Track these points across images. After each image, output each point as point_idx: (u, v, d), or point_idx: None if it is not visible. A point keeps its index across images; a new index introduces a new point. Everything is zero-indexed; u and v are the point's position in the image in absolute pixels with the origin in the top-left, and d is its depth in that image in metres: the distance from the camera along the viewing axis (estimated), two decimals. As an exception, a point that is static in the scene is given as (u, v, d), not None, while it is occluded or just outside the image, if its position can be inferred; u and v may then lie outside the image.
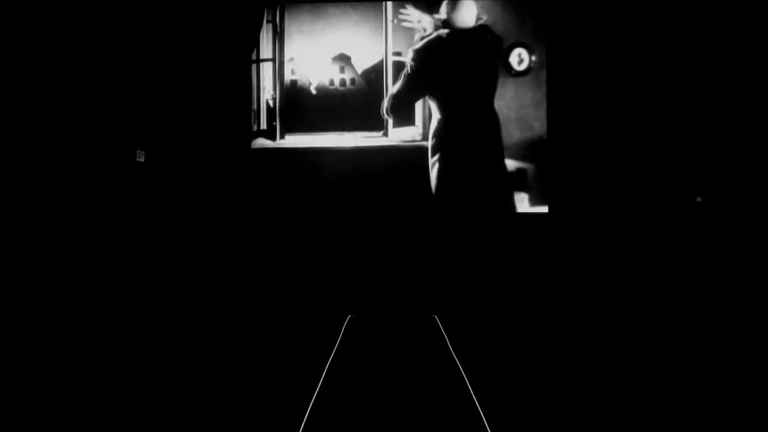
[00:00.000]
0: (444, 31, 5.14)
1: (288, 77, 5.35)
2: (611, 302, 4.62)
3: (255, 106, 5.37)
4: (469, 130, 5.15)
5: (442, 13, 5.16)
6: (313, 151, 5.29)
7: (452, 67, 5.16)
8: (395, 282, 5.02)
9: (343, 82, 5.29)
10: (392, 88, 5.19)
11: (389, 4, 5.22)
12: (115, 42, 4.78)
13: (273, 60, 5.36)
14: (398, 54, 5.23)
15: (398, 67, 5.22)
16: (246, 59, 5.36)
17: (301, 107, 5.32)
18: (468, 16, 5.15)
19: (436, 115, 5.17)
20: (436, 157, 5.18)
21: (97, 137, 4.60)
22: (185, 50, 5.22)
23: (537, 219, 5.10)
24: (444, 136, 5.16)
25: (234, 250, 5.20)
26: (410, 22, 5.16)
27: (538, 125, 5.14)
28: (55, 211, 4.20)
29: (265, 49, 5.37)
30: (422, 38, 5.18)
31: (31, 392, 2.82)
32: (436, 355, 3.43)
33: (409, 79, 5.17)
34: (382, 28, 5.23)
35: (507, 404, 2.65)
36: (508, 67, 5.15)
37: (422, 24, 5.17)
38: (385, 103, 5.17)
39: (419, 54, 5.17)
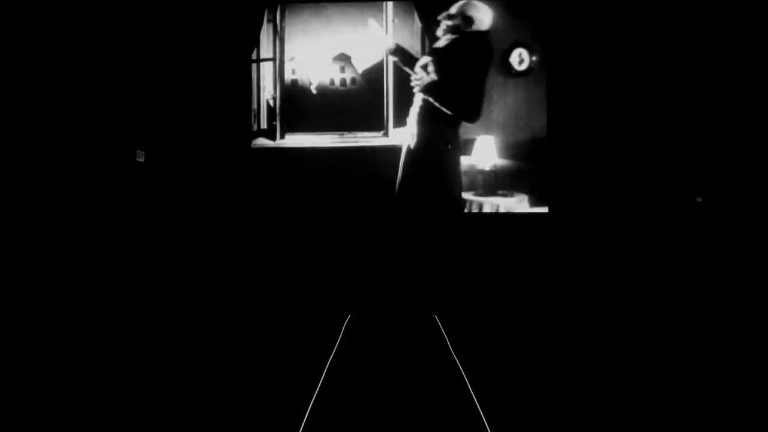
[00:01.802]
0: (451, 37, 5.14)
1: (288, 77, 5.34)
2: (611, 302, 4.62)
3: (255, 106, 5.37)
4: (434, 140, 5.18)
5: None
6: (313, 151, 5.28)
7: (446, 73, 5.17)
8: (395, 282, 5.02)
9: (343, 82, 5.29)
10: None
11: (389, 4, 5.22)
12: (115, 42, 4.78)
13: (273, 59, 5.35)
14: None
15: (399, 67, 5.21)
16: (246, 59, 5.35)
17: (302, 107, 5.32)
18: (485, 15, 5.15)
19: (412, 116, 5.19)
20: (402, 159, 5.22)
21: (97, 137, 4.60)
22: (185, 50, 5.22)
23: (537, 219, 5.10)
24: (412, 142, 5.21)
25: (234, 250, 5.20)
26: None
27: (538, 125, 5.14)
28: (56, 210, 4.20)
29: (266, 49, 5.37)
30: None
31: (31, 392, 2.82)
32: (436, 355, 3.43)
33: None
34: (382, 27, 5.22)
35: (507, 404, 2.65)
36: (509, 67, 5.15)
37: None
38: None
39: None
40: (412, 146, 5.18)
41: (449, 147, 5.14)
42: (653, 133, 4.90)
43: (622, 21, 4.93)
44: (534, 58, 5.13)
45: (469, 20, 5.11)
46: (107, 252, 4.60)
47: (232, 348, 3.68)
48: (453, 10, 5.15)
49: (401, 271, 5.07)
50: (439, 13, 5.17)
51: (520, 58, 5.14)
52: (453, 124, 5.16)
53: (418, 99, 5.18)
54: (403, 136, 5.20)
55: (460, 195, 5.18)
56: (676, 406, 2.65)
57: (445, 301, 4.82)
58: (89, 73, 4.54)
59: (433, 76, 5.13)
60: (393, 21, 5.22)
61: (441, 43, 5.16)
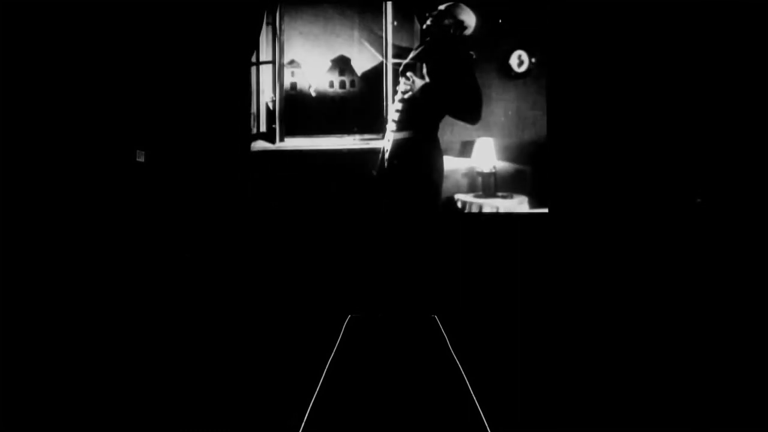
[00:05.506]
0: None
1: (287, 80, 5.35)
2: (611, 303, 4.62)
3: (255, 109, 5.37)
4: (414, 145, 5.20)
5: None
6: (313, 154, 5.29)
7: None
8: (396, 282, 5.02)
9: (342, 85, 5.30)
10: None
11: (389, 6, 5.23)
12: (115, 43, 4.79)
13: (272, 62, 5.36)
14: (398, 56, 5.24)
15: (398, 69, 5.22)
16: (246, 62, 5.36)
17: (301, 110, 5.32)
18: (472, 20, 5.17)
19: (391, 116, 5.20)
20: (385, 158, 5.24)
21: (97, 137, 4.60)
22: (185, 52, 5.23)
23: (537, 220, 5.10)
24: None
25: (234, 252, 5.19)
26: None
27: (538, 127, 5.15)
28: (56, 210, 4.21)
29: (265, 52, 5.38)
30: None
31: (31, 392, 2.81)
32: (436, 355, 3.43)
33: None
34: (381, 29, 5.24)
35: (507, 404, 2.65)
36: (508, 69, 5.16)
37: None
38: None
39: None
40: (392, 148, 5.20)
41: (432, 145, 5.14)
42: (653, 133, 4.91)
43: (622, 23, 4.95)
44: (533, 60, 5.14)
45: (460, 24, 5.13)
46: (107, 251, 4.60)
47: (232, 348, 3.67)
48: (443, 7, 5.16)
49: (400, 271, 5.07)
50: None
51: (519, 60, 5.15)
52: (434, 124, 5.16)
53: (397, 102, 5.18)
54: (384, 140, 5.22)
55: (440, 192, 5.20)
56: (676, 406, 2.65)
57: (445, 301, 4.82)
58: (89, 73, 4.55)
59: (426, 79, 5.14)
60: (393, 23, 5.23)
61: (430, 44, 5.16)
